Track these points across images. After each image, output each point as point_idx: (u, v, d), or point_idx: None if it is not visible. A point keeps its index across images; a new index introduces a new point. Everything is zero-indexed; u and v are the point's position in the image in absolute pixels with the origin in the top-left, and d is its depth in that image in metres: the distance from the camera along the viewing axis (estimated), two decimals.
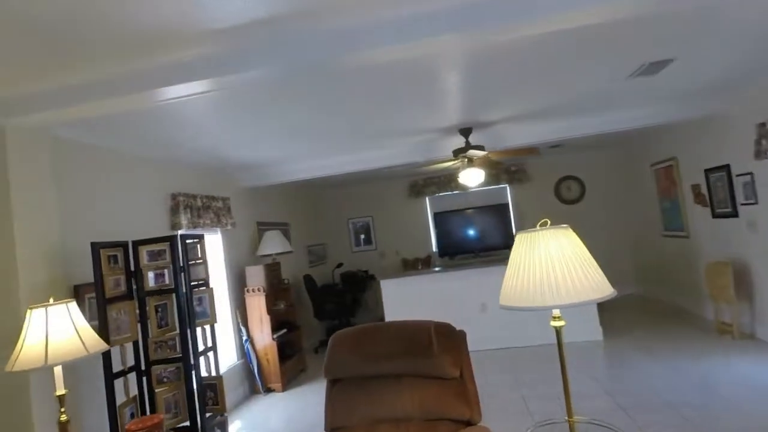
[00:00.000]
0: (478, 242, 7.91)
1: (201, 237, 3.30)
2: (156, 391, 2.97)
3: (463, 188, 7.93)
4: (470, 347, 5.28)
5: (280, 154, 4.89)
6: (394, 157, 5.27)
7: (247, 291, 5.18)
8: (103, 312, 2.75)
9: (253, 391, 5.11)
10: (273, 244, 5.61)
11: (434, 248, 8.17)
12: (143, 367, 3.03)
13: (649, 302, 6.98)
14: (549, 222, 1.92)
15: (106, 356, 2.76)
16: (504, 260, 6.31)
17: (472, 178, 4.70)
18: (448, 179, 8.03)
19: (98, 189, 3.41)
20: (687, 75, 3.74)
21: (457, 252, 7.98)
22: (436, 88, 3.26)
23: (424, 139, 4.92)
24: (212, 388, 3.20)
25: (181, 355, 3.03)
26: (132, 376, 3.00)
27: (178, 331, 3.04)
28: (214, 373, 3.33)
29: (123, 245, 3.01)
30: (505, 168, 7.90)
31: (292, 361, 5.45)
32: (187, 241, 3.18)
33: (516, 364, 4.88)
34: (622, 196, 7.70)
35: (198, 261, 3.26)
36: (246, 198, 5.78)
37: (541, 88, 3.61)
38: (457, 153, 4.64)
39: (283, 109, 3.40)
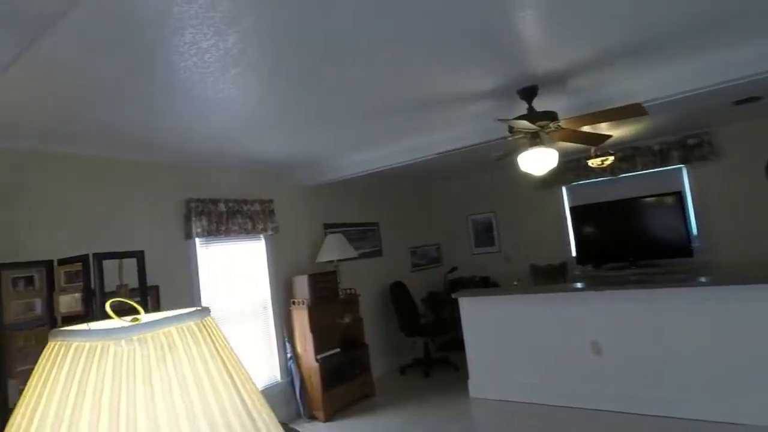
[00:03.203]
0: (635, 247, 5.73)
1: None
2: None
3: (612, 173, 5.84)
4: (576, 403, 3.73)
5: (322, 147, 4.17)
6: (449, 142, 3.98)
7: (293, 303, 4.65)
8: None
9: (298, 416, 4.57)
10: (332, 249, 4.95)
11: (573, 252, 6.28)
12: None
13: None
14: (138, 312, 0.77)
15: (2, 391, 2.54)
16: (674, 274, 4.31)
17: (537, 161, 3.13)
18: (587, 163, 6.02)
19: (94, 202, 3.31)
20: None
21: (603, 259, 5.94)
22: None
23: (480, 111, 3.53)
24: None
25: None
26: None
27: None
28: None
29: None
30: (678, 142, 5.49)
31: (348, 386, 4.70)
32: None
33: None
34: None
35: None
36: (304, 198, 5.21)
37: None
38: (511, 128, 3.16)
39: (301, 91, 2.68)
